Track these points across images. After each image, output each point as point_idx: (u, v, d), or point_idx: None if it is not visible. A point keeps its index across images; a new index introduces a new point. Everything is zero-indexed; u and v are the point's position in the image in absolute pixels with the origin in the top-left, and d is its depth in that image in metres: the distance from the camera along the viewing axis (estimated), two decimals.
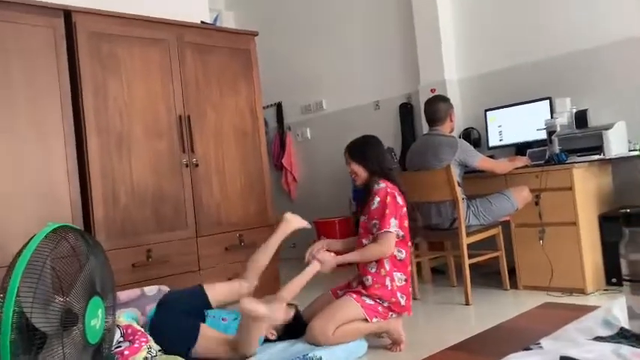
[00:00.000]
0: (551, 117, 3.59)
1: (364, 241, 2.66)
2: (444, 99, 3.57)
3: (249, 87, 4.03)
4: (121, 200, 3.28)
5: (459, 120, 4.09)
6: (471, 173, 3.56)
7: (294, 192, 5.84)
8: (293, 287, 2.56)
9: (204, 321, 2.45)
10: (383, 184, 2.63)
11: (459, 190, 3.24)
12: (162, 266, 3.38)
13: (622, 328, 1.19)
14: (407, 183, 2.82)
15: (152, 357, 2.14)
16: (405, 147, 4.55)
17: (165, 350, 2.25)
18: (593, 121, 3.46)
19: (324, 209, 5.20)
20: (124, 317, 2.30)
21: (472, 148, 3.43)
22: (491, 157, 3.63)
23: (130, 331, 2.20)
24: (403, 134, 4.78)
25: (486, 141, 4.06)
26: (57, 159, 3.04)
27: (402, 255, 2.62)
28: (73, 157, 3.10)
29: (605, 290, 3.24)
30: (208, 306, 2.56)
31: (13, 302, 1.55)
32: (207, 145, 3.73)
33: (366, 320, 2.50)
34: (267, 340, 2.54)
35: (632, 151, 3.32)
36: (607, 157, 3.26)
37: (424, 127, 4.03)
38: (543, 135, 3.58)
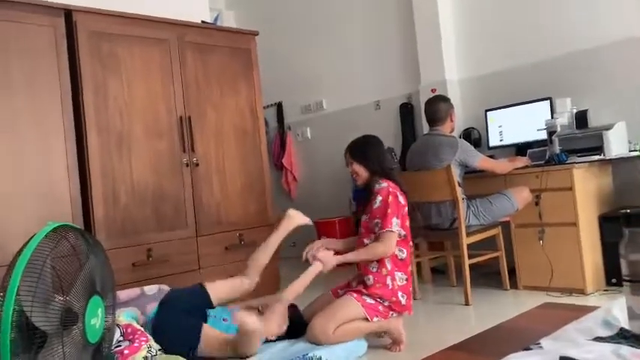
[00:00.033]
0: (552, 117, 3.59)
1: (366, 240, 2.66)
2: (444, 99, 3.57)
3: (250, 86, 4.03)
4: (121, 199, 3.28)
5: (459, 120, 4.09)
6: (471, 173, 3.56)
7: (294, 192, 5.84)
8: (295, 288, 2.56)
9: (205, 321, 2.45)
10: (385, 184, 2.63)
11: (459, 190, 3.24)
12: (163, 265, 3.38)
13: (622, 329, 1.19)
14: (407, 183, 2.82)
15: (152, 356, 2.14)
16: (406, 147, 4.55)
17: (167, 350, 2.25)
18: (594, 121, 3.46)
19: (324, 209, 5.20)
20: (123, 316, 2.30)
21: (472, 148, 3.43)
22: (491, 157, 3.63)
23: (129, 330, 2.20)
24: (403, 134, 4.78)
25: (487, 141, 4.06)
26: (57, 158, 3.04)
27: (404, 254, 2.62)
28: (73, 156, 3.10)
29: (605, 291, 3.24)
30: (210, 305, 2.56)
31: (13, 301, 1.55)
32: (208, 144, 3.73)
33: (366, 319, 2.50)
34: (267, 340, 2.54)
35: (632, 151, 3.32)
36: (607, 158, 3.26)
37: (424, 127, 4.03)
38: (543, 135, 3.58)
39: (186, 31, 3.69)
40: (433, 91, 4.27)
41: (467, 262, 3.24)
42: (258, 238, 2.97)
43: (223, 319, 2.53)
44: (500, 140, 3.97)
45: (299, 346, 2.49)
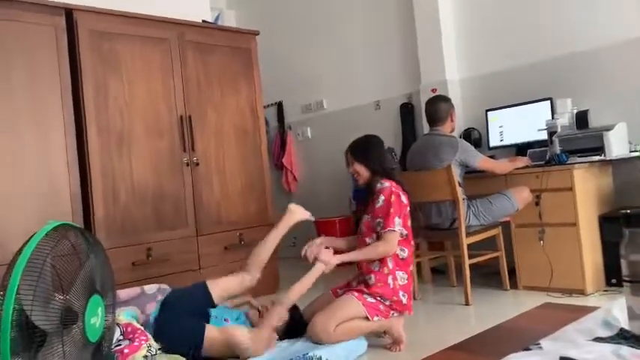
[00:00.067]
0: (552, 117, 3.59)
1: (367, 239, 2.66)
2: (445, 99, 3.57)
3: (250, 86, 4.03)
4: (122, 199, 3.28)
5: (459, 120, 4.09)
6: (471, 173, 3.55)
7: (294, 191, 5.84)
8: (298, 290, 2.56)
9: (208, 321, 2.45)
10: (387, 184, 2.64)
11: (459, 190, 3.24)
12: (163, 265, 3.38)
13: (622, 329, 1.20)
14: (407, 183, 2.81)
15: (152, 355, 2.13)
16: (406, 147, 4.55)
17: (171, 351, 2.25)
18: (594, 121, 3.46)
19: (324, 208, 5.19)
20: (123, 316, 2.30)
21: (473, 148, 3.43)
22: (491, 157, 3.63)
23: (129, 329, 2.20)
24: (404, 134, 4.78)
25: (487, 141, 4.06)
26: (57, 157, 3.04)
27: (405, 254, 2.62)
28: (73, 155, 3.10)
29: (605, 291, 3.24)
30: (212, 304, 2.56)
31: (13, 300, 1.55)
32: (208, 144, 3.74)
33: (367, 318, 2.50)
34: None
35: (632, 152, 3.32)
36: (607, 158, 3.26)
37: (425, 127, 4.03)
38: (544, 135, 3.57)
39: (186, 30, 3.69)
40: (434, 91, 4.27)
41: (467, 262, 3.24)
42: (258, 238, 2.96)
43: (225, 320, 2.53)
44: (501, 140, 3.97)
45: (299, 345, 2.49)
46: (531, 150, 3.62)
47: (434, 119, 3.48)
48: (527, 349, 1.15)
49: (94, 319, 1.79)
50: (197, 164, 3.64)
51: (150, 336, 2.22)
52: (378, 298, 2.54)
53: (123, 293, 2.71)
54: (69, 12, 3.15)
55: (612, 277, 3.23)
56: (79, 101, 3.16)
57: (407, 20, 4.67)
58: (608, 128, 3.26)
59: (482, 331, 1.41)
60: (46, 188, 2.98)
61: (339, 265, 2.66)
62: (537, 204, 3.31)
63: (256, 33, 4.14)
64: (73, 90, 3.13)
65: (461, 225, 3.23)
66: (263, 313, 2.62)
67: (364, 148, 2.75)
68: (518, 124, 3.86)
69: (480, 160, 3.36)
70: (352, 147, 2.79)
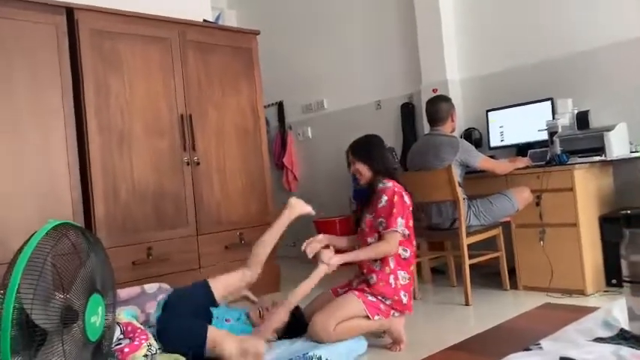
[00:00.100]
0: (553, 118, 3.59)
1: (369, 239, 2.66)
2: (445, 99, 3.57)
3: (251, 86, 4.04)
4: (122, 198, 3.28)
5: (460, 120, 4.09)
6: (471, 173, 3.55)
7: (294, 191, 5.83)
8: (300, 292, 2.55)
9: (210, 320, 2.44)
10: (390, 183, 2.64)
11: (459, 190, 3.24)
12: (163, 264, 3.38)
13: (622, 330, 1.20)
14: (408, 183, 2.81)
15: (152, 355, 2.14)
16: (406, 147, 4.55)
17: (172, 352, 2.24)
18: (595, 122, 3.46)
19: (324, 208, 5.19)
20: (124, 315, 2.30)
21: (473, 148, 3.43)
22: (492, 157, 3.62)
23: (130, 328, 2.20)
24: (404, 134, 4.78)
25: (487, 141, 4.06)
26: (58, 156, 3.04)
27: (407, 254, 2.62)
28: (74, 154, 3.10)
29: (605, 291, 3.23)
30: (214, 303, 2.55)
31: (13, 299, 1.55)
32: (209, 143, 3.74)
33: (367, 317, 2.50)
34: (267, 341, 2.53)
35: (633, 152, 3.32)
36: (608, 159, 3.26)
37: (425, 127, 4.03)
38: (544, 136, 3.57)
39: (187, 29, 3.69)
40: (434, 91, 4.27)
41: (467, 262, 3.24)
42: (259, 238, 2.96)
43: (226, 320, 2.53)
44: (501, 140, 3.97)
45: (299, 344, 2.49)
46: (532, 150, 3.62)
47: (434, 119, 3.48)
48: (527, 349, 1.15)
49: (95, 318, 1.79)
50: (198, 163, 3.64)
51: (150, 335, 2.22)
52: (379, 298, 2.54)
53: (123, 292, 2.71)
54: (70, 11, 3.15)
55: (612, 277, 3.23)
56: (79, 100, 3.16)
57: (408, 20, 4.67)
58: (609, 129, 3.26)
59: (482, 331, 1.41)
60: (46, 187, 2.98)
61: (339, 265, 2.66)
62: (538, 204, 3.31)
63: (257, 33, 4.14)
64: (73, 89, 3.13)
65: (461, 225, 3.23)
66: (263, 314, 2.62)
67: (366, 148, 2.75)
68: (518, 125, 3.86)
69: (481, 161, 3.36)
70: (354, 147, 2.79)
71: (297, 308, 2.65)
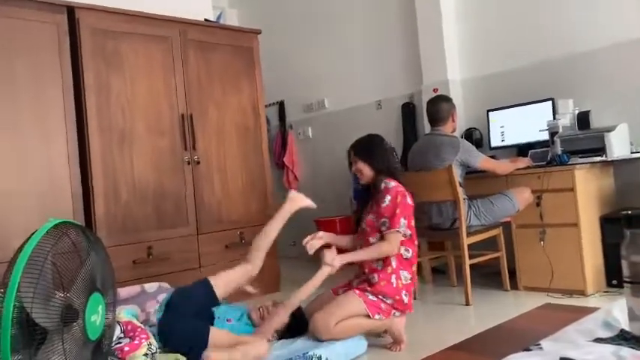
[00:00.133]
0: (554, 118, 3.58)
1: (371, 238, 2.66)
2: (446, 99, 3.57)
3: (252, 85, 4.04)
4: (123, 197, 3.28)
5: (461, 120, 4.09)
6: (472, 174, 3.55)
7: (295, 190, 5.83)
8: (302, 293, 2.55)
9: (212, 321, 2.44)
10: (393, 183, 2.64)
11: (460, 190, 3.24)
12: (163, 263, 3.38)
13: (622, 330, 1.19)
14: (408, 183, 2.81)
15: (152, 354, 2.14)
16: (407, 147, 4.55)
17: (174, 352, 2.24)
18: (596, 122, 3.46)
19: (325, 208, 5.19)
20: (124, 314, 2.30)
21: (474, 148, 3.42)
22: (492, 157, 3.62)
23: (130, 327, 2.20)
24: (405, 134, 4.77)
25: (488, 141, 4.06)
26: (59, 155, 3.04)
27: (409, 254, 2.63)
28: (75, 153, 3.11)
29: (605, 292, 3.23)
30: (216, 302, 2.54)
31: (13, 297, 1.55)
32: (209, 142, 3.74)
33: (368, 316, 2.50)
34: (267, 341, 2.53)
35: (634, 153, 3.32)
36: (609, 159, 3.26)
37: (426, 126, 4.03)
38: (545, 136, 3.57)
39: (188, 28, 3.69)
40: (435, 90, 4.27)
41: (467, 262, 3.24)
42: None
43: (227, 320, 2.52)
44: (502, 141, 3.97)
45: (300, 344, 2.49)
46: (532, 150, 3.62)
47: (435, 119, 3.48)
48: (527, 349, 1.15)
49: (95, 317, 1.79)
50: (198, 163, 3.64)
51: (150, 334, 2.22)
52: (380, 297, 2.54)
53: (123, 291, 2.71)
54: (71, 10, 3.15)
55: (613, 278, 3.23)
56: (80, 99, 3.17)
57: (409, 20, 4.67)
58: (610, 129, 3.26)
59: (482, 332, 1.41)
60: (47, 186, 2.98)
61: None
62: (538, 204, 3.31)
63: (258, 32, 4.14)
64: (74, 88, 3.13)
65: (461, 225, 3.23)
66: (264, 314, 2.62)
67: (368, 147, 2.75)
68: (519, 125, 3.86)
69: (481, 161, 3.36)
70: (355, 146, 2.79)
71: (298, 308, 2.64)
